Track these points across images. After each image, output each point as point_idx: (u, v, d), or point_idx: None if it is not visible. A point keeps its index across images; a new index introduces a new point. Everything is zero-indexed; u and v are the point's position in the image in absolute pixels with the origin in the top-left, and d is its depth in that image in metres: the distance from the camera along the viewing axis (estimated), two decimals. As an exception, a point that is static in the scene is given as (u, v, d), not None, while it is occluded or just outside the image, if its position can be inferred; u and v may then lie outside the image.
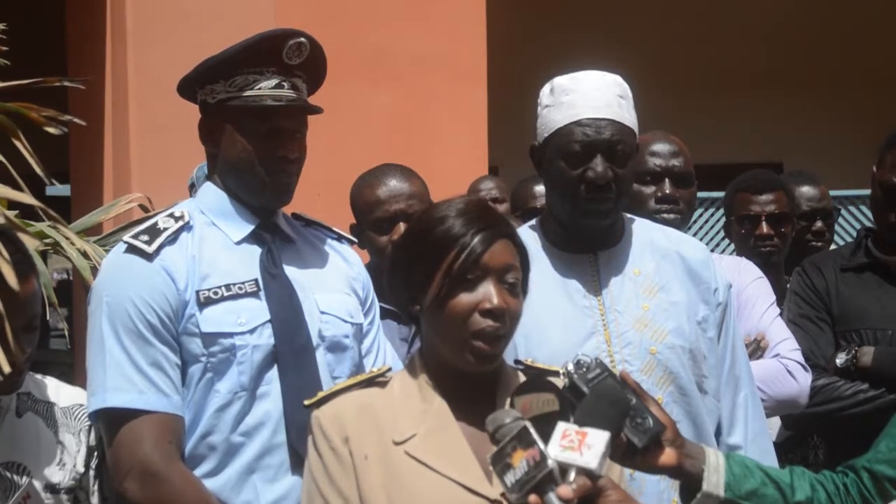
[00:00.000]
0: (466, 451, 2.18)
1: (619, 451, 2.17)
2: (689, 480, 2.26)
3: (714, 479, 2.24)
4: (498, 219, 2.26)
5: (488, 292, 2.18)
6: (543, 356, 2.62)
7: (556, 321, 2.77)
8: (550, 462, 1.94)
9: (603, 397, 2.11)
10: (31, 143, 2.88)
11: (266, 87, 2.71)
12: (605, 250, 2.86)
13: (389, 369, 2.34)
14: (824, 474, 2.38)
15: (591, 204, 2.77)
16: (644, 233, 2.92)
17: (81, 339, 2.75)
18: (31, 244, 2.64)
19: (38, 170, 2.65)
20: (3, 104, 2.75)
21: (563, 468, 1.96)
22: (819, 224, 4.47)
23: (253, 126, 2.72)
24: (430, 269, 2.20)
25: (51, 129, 2.77)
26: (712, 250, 3.87)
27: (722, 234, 6.25)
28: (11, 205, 2.93)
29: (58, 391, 2.87)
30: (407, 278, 2.25)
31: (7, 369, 2.42)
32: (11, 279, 2.45)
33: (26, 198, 2.60)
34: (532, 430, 1.97)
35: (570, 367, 2.17)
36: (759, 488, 2.27)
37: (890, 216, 3.68)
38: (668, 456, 2.22)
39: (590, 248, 2.85)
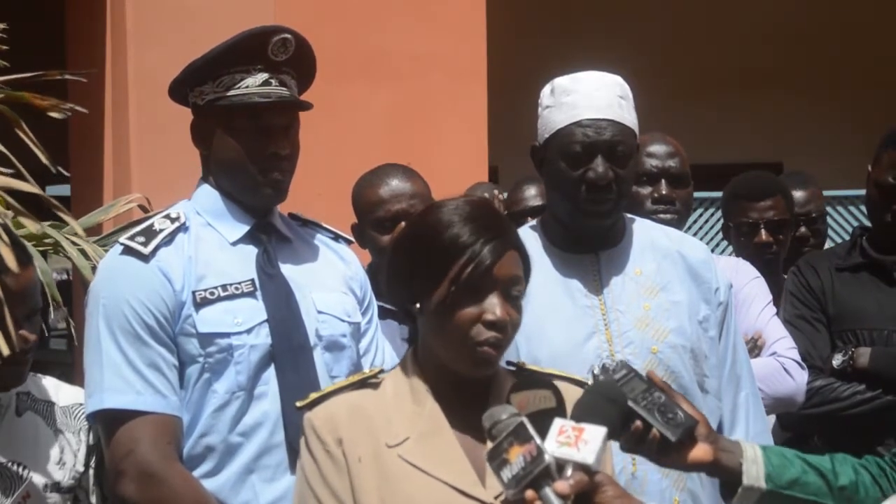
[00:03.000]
0: (459, 454, 2.18)
1: (653, 447, 2.17)
2: (726, 476, 2.23)
3: (754, 472, 2.21)
4: (506, 227, 2.24)
5: (493, 304, 2.16)
6: (545, 356, 2.62)
7: (557, 321, 2.77)
8: (547, 457, 1.94)
9: (601, 393, 2.12)
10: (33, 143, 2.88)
11: (253, 85, 2.70)
12: (607, 250, 2.86)
13: (381, 371, 2.33)
14: (867, 459, 2.34)
15: (592, 205, 2.78)
16: (645, 233, 2.92)
17: (81, 339, 2.75)
18: (32, 227, 2.64)
19: (42, 158, 2.65)
20: (8, 91, 2.75)
21: (560, 464, 1.96)
22: (802, 230, 4.42)
23: (242, 125, 2.71)
24: (436, 274, 2.18)
25: (54, 114, 2.78)
26: (712, 250, 3.87)
27: (722, 234, 6.24)
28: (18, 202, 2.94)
29: (57, 390, 2.88)
30: (409, 279, 2.23)
31: (6, 351, 2.42)
32: (11, 262, 2.45)
33: (26, 186, 2.60)
34: (529, 426, 1.97)
35: (597, 370, 2.18)
36: (800, 476, 2.23)
37: (886, 216, 3.68)
38: (703, 451, 2.21)
39: (591, 249, 2.85)
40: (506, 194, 4.89)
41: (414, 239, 2.27)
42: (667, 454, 2.19)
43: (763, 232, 4.08)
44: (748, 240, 4.11)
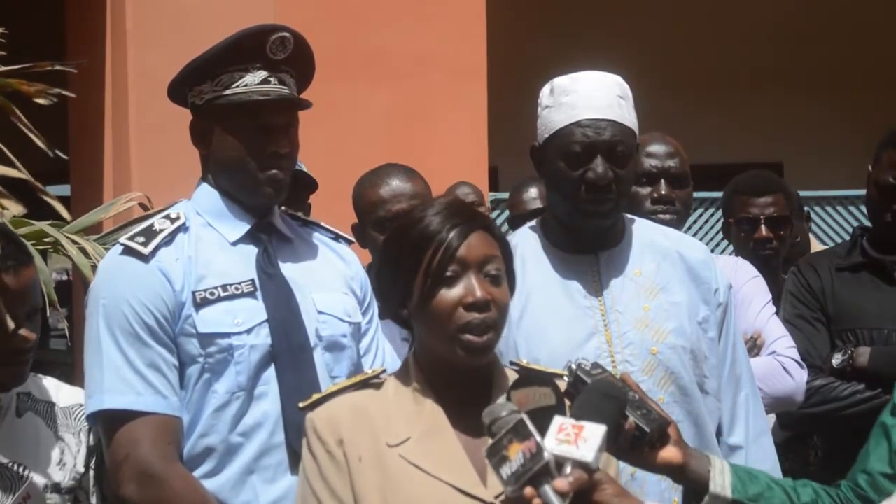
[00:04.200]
0: (460, 453, 2.18)
1: (627, 441, 2.18)
2: (692, 482, 2.26)
3: (720, 480, 2.25)
4: (473, 213, 2.26)
5: (470, 286, 2.18)
6: (544, 356, 2.62)
7: (557, 322, 2.77)
8: (547, 454, 1.94)
9: (600, 391, 2.12)
10: (30, 143, 2.88)
11: (252, 83, 2.70)
12: (606, 251, 2.86)
13: (384, 371, 2.34)
14: (823, 488, 2.39)
15: (592, 205, 2.77)
16: (644, 233, 2.92)
17: (81, 339, 2.75)
18: (15, 210, 2.64)
19: (38, 142, 2.64)
20: None
21: (560, 461, 1.96)
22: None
23: (242, 123, 2.70)
24: (411, 271, 2.20)
25: (41, 100, 2.77)
26: (712, 250, 3.87)
27: (721, 234, 6.25)
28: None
29: (58, 391, 2.87)
30: (392, 282, 2.25)
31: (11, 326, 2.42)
32: None
33: (12, 171, 2.60)
34: (528, 423, 1.97)
35: (573, 365, 2.18)
36: (764, 491, 2.28)
37: (886, 215, 3.69)
38: (673, 453, 2.23)
39: (591, 249, 2.85)
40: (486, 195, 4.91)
41: (390, 243, 2.30)
42: (639, 451, 2.20)
43: (763, 227, 4.10)
44: (748, 235, 4.12)
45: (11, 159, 2.63)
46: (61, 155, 2.88)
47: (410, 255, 2.21)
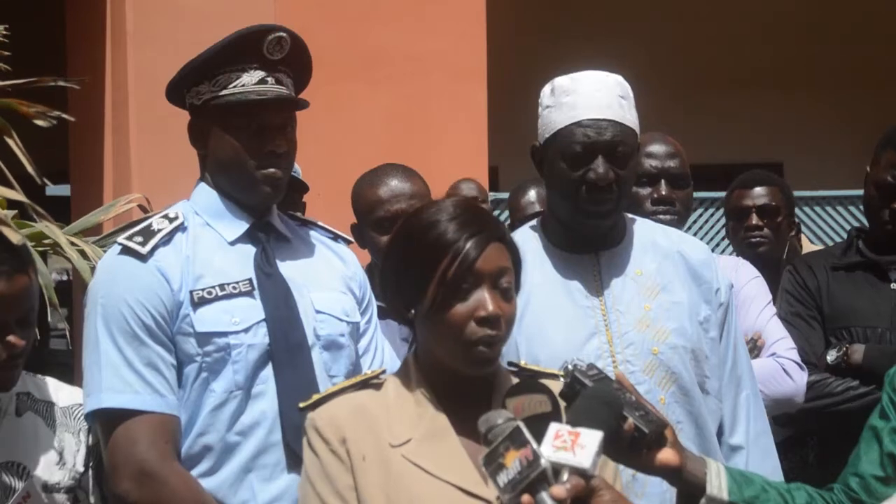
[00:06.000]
0: (463, 454, 2.18)
1: (625, 443, 2.17)
2: (689, 484, 2.26)
3: (717, 483, 2.25)
4: (489, 221, 2.25)
5: (483, 300, 2.17)
6: (545, 357, 2.62)
7: (557, 322, 2.77)
8: (543, 461, 1.94)
9: (596, 398, 2.11)
10: (30, 143, 2.89)
11: (250, 83, 2.70)
12: (607, 250, 2.86)
13: (384, 371, 2.34)
14: (818, 491, 2.40)
15: (593, 205, 2.77)
16: (645, 233, 2.92)
17: (80, 339, 2.75)
18: (13, 238, 2.64)
19: (29, 168, 2.65)
20: None
21: (556, 468, 1.95)
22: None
23: (239, 123, 2.71)
24: (423, 277, 2.19)
25: (40, 122, 2.78)
26: (713, 250, 3.87)
27: (722, 233, 6.26)
28: (11, 205, 2.94)
29: (57, 391, 2.87)
30: (400, 283, 2.24)
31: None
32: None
33: (11, 193, 2.61)
34: (525, 430, 1.97)
35: (570, 366, 2.18)
36: (760, 494, 2.29)
37: (884, 213, 3.69)
38: (670, 455, 2.23)
39: (591, 249, 2.85)
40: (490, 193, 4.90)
41: (400, 244, 2.28)
42: (636, 453, 2.20)
43: (753, 215, 4.12)
44: (739, 225, 4.15)
45: (11, 181, 2.64)
46: (48, 182, 2.90)
47: (424, 260, 2.19)
